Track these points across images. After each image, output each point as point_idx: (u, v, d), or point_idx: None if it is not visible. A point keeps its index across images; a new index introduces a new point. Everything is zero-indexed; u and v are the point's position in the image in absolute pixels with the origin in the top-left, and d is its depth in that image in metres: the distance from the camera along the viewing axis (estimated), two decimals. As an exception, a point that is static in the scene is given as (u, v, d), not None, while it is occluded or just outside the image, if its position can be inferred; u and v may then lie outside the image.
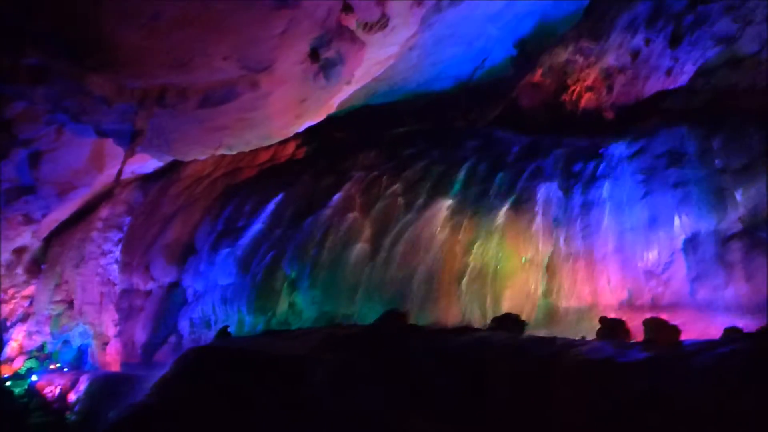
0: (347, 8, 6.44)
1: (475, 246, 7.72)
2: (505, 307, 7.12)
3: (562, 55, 12.43)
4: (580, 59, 12.37)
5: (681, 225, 6.53)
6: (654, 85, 10.25)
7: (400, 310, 5.80)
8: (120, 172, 7.17)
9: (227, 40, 5.42)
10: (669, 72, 10.28)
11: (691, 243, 6.43)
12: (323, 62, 6.41)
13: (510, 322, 5.20)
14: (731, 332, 4.12)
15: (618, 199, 6.95)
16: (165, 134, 7.19)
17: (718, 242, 6.28)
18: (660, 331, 3.98)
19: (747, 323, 5.80)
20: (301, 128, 8.24)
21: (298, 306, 9.20)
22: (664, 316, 6.20)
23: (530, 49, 12.91)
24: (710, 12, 10.94)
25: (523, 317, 6.88)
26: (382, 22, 7.98)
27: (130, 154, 7.21)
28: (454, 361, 4.04)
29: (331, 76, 6.51)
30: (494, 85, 13.61)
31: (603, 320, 4.81)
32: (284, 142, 11.97)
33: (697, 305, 6.28)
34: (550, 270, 7.26)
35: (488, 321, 7.25)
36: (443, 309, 7.53)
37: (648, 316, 6.41)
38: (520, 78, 13.27)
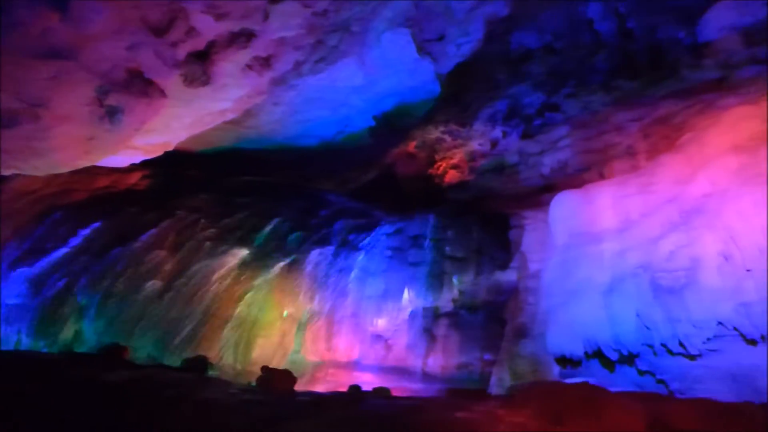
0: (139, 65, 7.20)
1: (247, 296, 8.36)
2: (255, 354, 7.75)
3: (434, 133, 13.83)
4: (449, 139, 13.80)
5: (408, 299, 7.56)
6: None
7: (121, 344, 6.21)
8: None
9: (-4, 74, 5.93)
10: (521, 163, 11.85)
11: (413, 315, 7.45)
12: (107, 108, 7.03)
13: (197, 363, 5.80)
14: (351, 388, 4.94)
15: (366, 270, 7.93)
16: (-49, 148, 7.38)
17: (431, 317, 7.33)
18: (281, 380, 4.73)
19: (440, 388, 6.79)
20: (98, 163, 8.70)
21: (84, 335, 9.28)
22: (379, 376, 7.08)
23: (392, 124, 14.30)
24: (555, 120, 12.85)
25: (273, 365, 7.52)
26: (203, 80, 8.81)
27: None
28: (106, 393, 4.56)
29: (114, 122, 7.13)
30: (357, 150, 14.79)
31: (263, 369, 5.52)
32: (128, 171, 12.27)
33: (408, 370, 7.21)
34: (305, 326, 8.01)
35: (238, 365, 7.84)
36: (205, 350, 7.98)
37: (375, 375, 7.28)
38: (391, 147, 14.50)
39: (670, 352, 5.46)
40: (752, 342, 5.10)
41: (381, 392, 5.06)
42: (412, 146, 14.18)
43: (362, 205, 11.27)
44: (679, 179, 6.53)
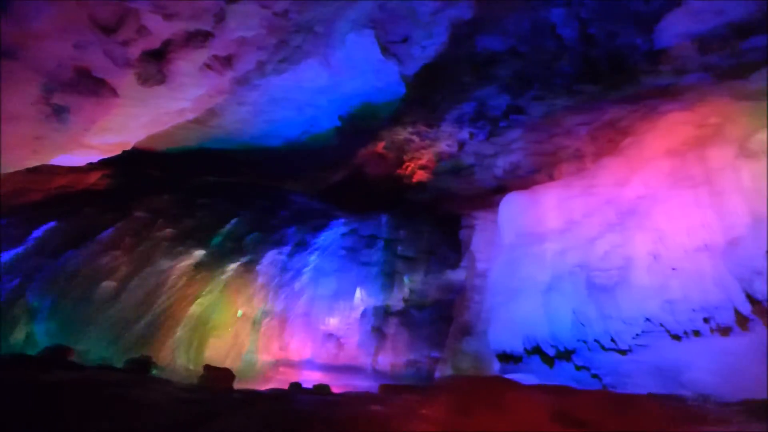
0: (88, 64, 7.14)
1: (201, 296, 8.35)
2: (207, 354, 7.74)
3: (402, 133, 13.92)
4: (417, 140, 13.89)
5: (360, 298, 7.66)
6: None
7: (69, 345, 6.16)
8: None
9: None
10: (486, 162, 12.00)
11: (364, 314, 7.55)
12: (54, 107, 6.95)
13: (141, 363, 5.81)
14: (291, 385, 5.03)
15: (319, 269, 8.00)
16: None
17: (382, 316, 7.44)
18: (221, 378, 4.79)
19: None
20: (53, 162, 8.61)
21: (36, 337, 9.12)
22: (330, 375, 7.15)
23: (358, 124, 14.35)
24: (521, 122, 13.05)
25: (226, 365, 7.53)
26: (158, 79, 8.76)
27: None
28: (41, 394, 4.55)
29: (62, 121, 7.06)
30: (323, 150, 14.79)
31: (205, 368, 5.56)
32: (87, 171, 12.08)
33: (358, 368, 7.31)
34: (259, 326, 8.03)
35: (191, 365, 7.84)
36: (157, 351, 7.96)
37: (325, 374, 7.34)
38: (359, 147, 14.54)
39: (603, 347, 5.67)
40: (676, 337, 5.34)
41: (319, 389, 5.14)
42: (380, 147, 14.28)
43: (324, 205, 11.32)
44: (619, 181, 6.77)
